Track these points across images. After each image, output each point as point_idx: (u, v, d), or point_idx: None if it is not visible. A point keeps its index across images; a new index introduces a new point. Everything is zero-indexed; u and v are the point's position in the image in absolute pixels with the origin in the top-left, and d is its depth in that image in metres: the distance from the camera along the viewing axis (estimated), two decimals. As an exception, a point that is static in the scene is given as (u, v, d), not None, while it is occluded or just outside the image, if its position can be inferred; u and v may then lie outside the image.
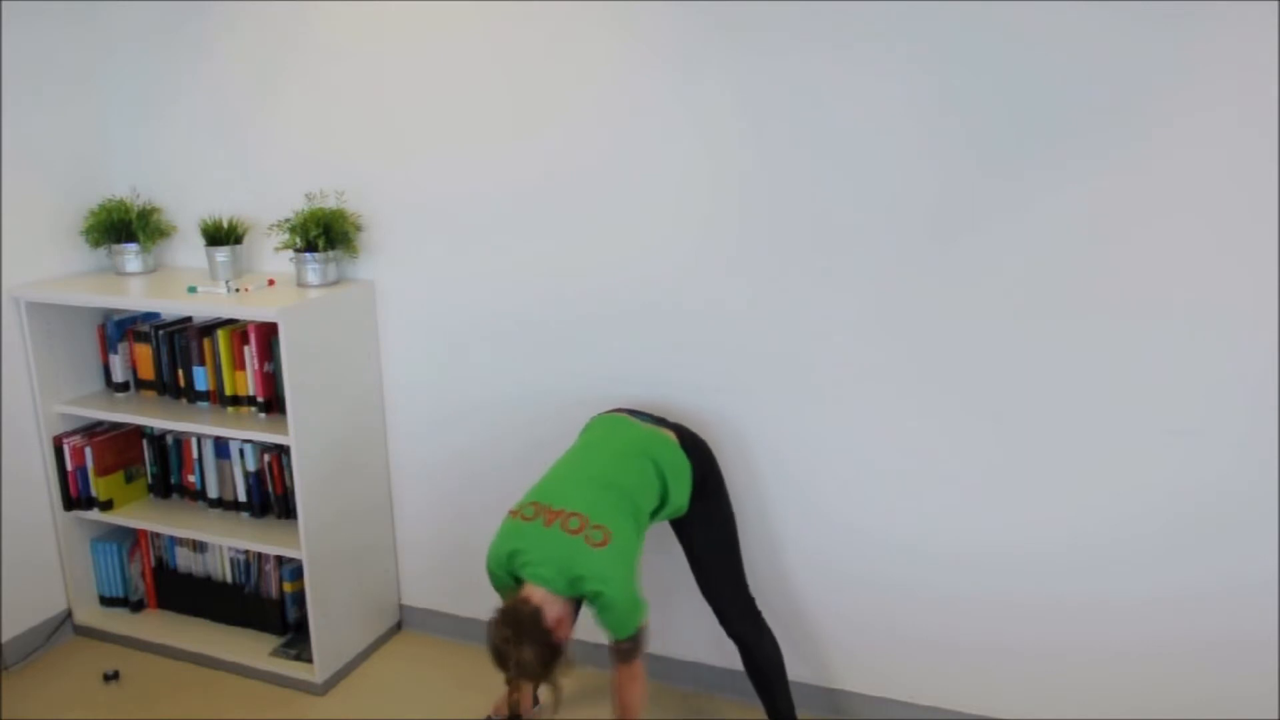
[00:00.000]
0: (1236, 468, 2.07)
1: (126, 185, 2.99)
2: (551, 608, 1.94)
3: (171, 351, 2.78)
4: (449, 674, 2.78)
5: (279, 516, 2.79)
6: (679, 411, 2.50)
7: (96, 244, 2.88)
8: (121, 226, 2.86)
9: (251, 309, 2.45)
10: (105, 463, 2.83)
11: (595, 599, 1.95)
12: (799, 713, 2.54)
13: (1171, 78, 1.93)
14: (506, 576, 2.05)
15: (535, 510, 2.03)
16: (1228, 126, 1.92)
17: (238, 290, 2.62)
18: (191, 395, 2.76)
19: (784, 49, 2.18)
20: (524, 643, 1.89)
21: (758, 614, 2.30)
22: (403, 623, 3.03)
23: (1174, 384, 2.07)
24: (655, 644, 2.71)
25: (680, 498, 2.16)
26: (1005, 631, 2.36)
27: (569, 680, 2.70)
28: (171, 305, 2.55)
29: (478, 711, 2.60)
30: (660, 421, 2.26)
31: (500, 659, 1.93)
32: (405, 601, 3.01)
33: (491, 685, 2.71)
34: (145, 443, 2.91)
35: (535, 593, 1.95)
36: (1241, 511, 2.09)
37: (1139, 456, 2.13)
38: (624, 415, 2.26)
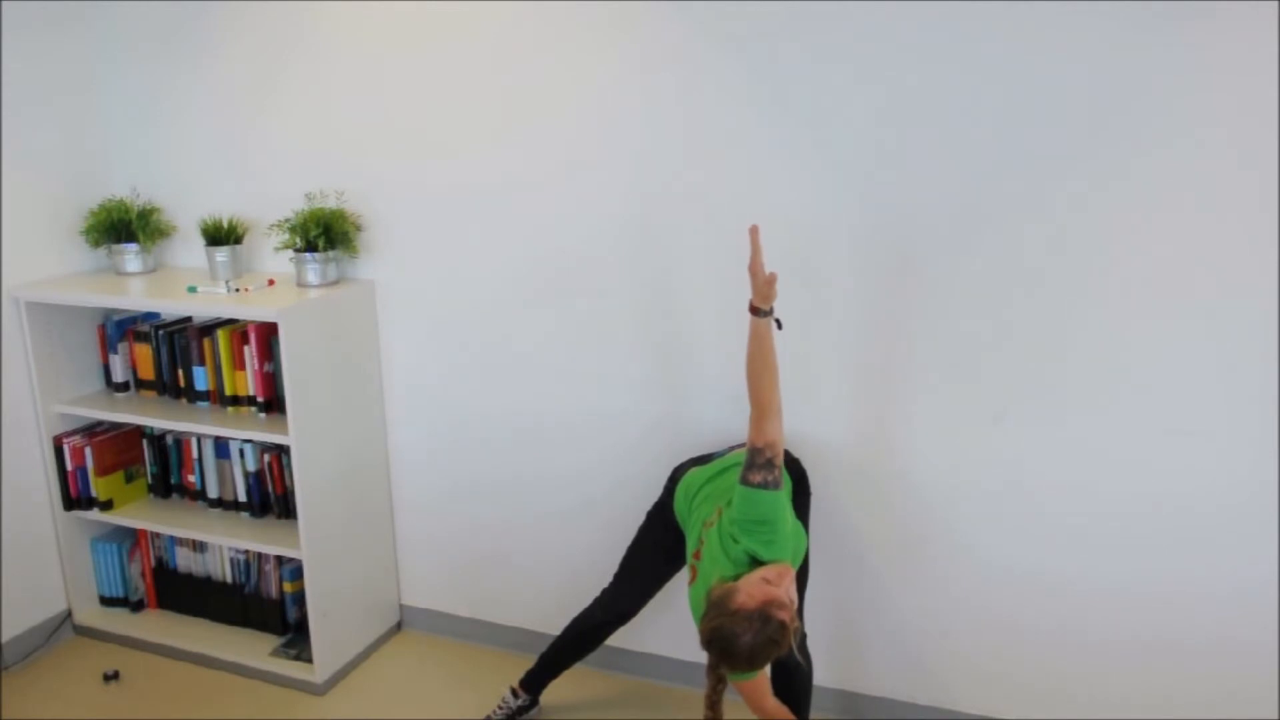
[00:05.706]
0: (1236, 468, 2.07)
1: (126, 185, 2.99)
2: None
3: (171, 351, 2.78)
4: (449, 674, 2.78)
5: (279, 516, 2.79)
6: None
7: (96, 244, 2.88)
8: (121, 226, 2.85)
9: (251, 309, 2.45)
10: (105, 463, 2.83)
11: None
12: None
13: (1171, 79, 1.93)
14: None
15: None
16: (1227, 129, 1.92)
17: (238, 290, 2.62)
18: (191, 395, 2.76)
19: (784, 53, 2.18)
20: None
21: (804, 636, 2.26)
22: (403, 623, 3.03)
23: (1174, 384, 2.07)
24: (657, 644, 2.71)
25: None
26: (1003, 630, 2.36)
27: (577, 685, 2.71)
28: (171, 305, 2.55)
29: (478, 711, 2.60)
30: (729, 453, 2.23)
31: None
32: (405, 601, 3.00)
33: (492, 685, 2.71)
34: (145, 443, 2.91)
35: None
36: (1241, 511, 2.09)
37: (1138, 456, 2.14)
38: (696, 469, 2.22)
